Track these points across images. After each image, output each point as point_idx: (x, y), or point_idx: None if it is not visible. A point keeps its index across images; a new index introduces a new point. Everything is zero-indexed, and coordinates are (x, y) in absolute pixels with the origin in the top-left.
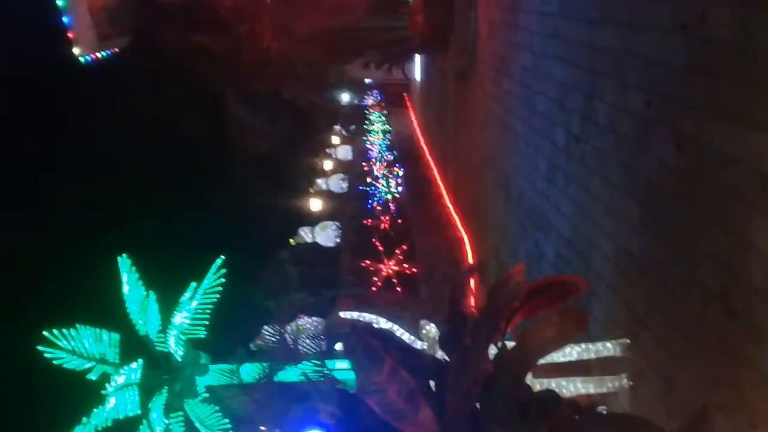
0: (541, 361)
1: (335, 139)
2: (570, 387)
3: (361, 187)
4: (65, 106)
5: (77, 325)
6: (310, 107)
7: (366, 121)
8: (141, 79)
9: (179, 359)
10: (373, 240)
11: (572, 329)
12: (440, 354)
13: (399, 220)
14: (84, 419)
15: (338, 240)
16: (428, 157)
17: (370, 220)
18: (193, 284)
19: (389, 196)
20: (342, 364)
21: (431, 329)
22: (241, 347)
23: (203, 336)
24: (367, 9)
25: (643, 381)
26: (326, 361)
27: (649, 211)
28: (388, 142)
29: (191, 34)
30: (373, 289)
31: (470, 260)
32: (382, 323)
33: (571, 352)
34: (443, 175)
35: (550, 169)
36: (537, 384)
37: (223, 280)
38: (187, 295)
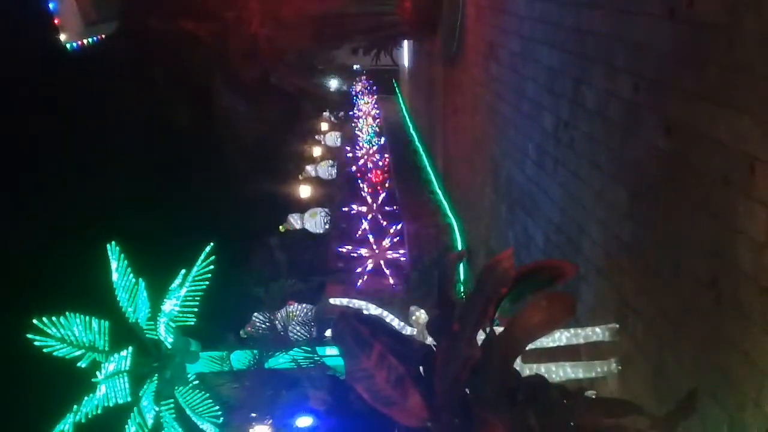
0: (530, 346)
1: (324, 126)
2: (559, 372)
3: (350, 172)
4: (51, 93)
5: (67, 313)
6: (299, 93)
7: (354, 107)
8: (128, 65)
9: (169, 346)
10: (362, 226)
11: (561, 314)
12: (429, 340)
13: (387, 207)
14: (74, 407)
15: (327, 226)
16: (417, 142)
17: (358, 207)
18: (183, 271)
19: (378, 182)
20: (332, 351)
21: (420, 315)
22: (231, 334)
23: (193, 323)
24: None
25: (632, 366)
26: (316, 348)
27: (638, 196)
28: (377, 128)
29: (178, 20)
30: (363, 275)
31: (459, 246)
32: (372, 309)
33: (560, 337)
34: (432, 160)
35: (539, 154)
36: (526, 369)
37: (213, 267)
38: (176, 282)
